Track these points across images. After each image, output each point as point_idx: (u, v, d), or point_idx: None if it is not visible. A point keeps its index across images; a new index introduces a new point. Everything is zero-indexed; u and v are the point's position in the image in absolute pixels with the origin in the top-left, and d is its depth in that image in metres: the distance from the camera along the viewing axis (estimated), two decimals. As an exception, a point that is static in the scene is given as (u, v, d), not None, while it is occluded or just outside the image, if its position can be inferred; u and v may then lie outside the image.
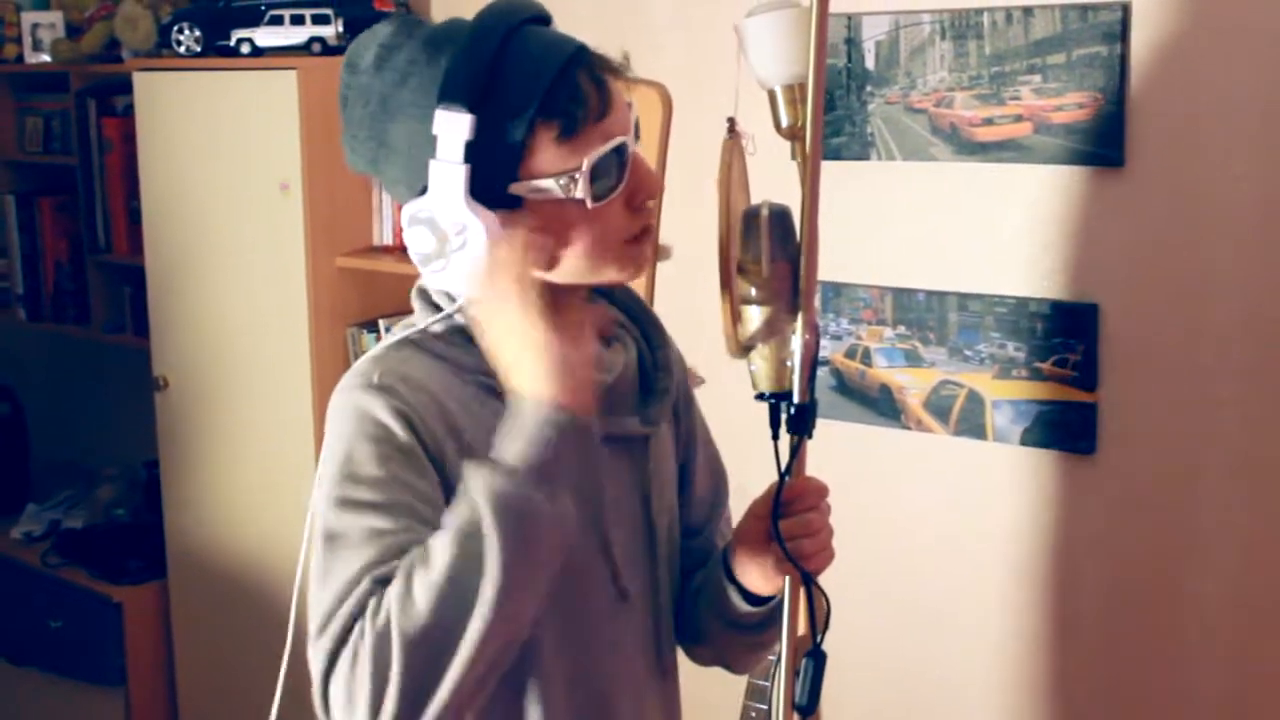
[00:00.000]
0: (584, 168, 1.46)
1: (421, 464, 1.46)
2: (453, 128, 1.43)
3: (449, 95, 1.44)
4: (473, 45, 1.45)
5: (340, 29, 3.49)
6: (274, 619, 3.65)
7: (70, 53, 4.19)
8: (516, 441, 1.35)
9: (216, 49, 3.58)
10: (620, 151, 1.50)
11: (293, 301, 3.50)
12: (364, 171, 1.57)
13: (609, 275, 1.55)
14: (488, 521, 1.31)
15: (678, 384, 1.75)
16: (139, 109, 3.77)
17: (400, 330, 1.57)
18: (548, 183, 1.46)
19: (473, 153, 1.43)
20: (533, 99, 1.45)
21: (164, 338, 3.85)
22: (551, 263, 1.51)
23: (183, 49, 3.61)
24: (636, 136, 1.54)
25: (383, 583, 1.36)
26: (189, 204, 3.71)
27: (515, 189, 1.46)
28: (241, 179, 3.58)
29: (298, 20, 3.49)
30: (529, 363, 1.37)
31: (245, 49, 3.52)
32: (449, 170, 1.44)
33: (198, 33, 3.59)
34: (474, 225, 1.44)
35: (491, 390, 1.49)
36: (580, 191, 1.47)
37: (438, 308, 1.57)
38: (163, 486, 3.94)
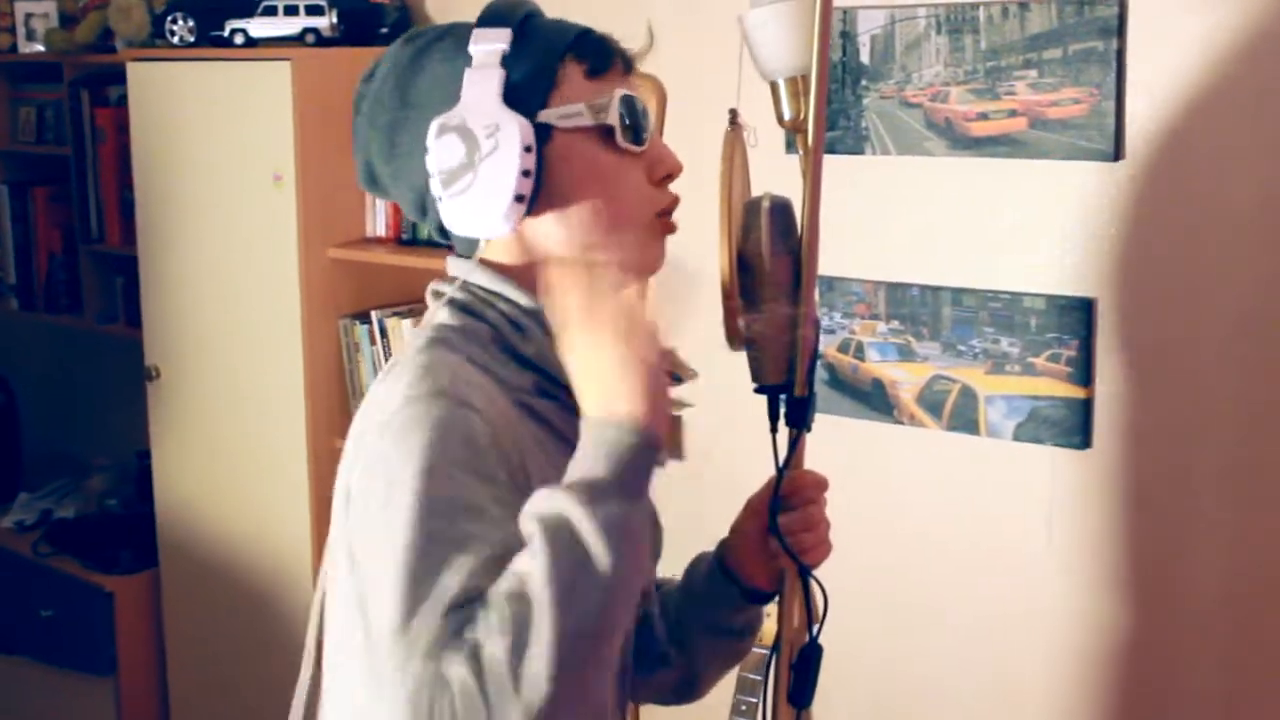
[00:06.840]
0: (616, 94, 1.46)
1: (510, 492, 1.34)
2: (490, 38, 1.44)
3: (486, 21, 1.45)
4: (502, 4, 1.48)
5: (334, 20, 3.48)
6: (264, 609, 3.65)
7: (64, 42, 4.18)
8: (602, 462, 1.26)
9: (210, 39, 3.57)
10: (639, 108, 1.49)
11: (285, 292, 3.50)
12: (373, 169, 1.53)
13: (629, 247, 1.46)
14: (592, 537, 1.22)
15: None
16: (132, 99, 3.77)
17: (427, 330, 1.47)
18: (578, 107, 1.45)
19: (506, 66, 1.43)
20: (564, 38, 1.47)
21: (156, 328, 3.85)
22: (564, 205, 1.46)
23: (176, 39, 3.61)
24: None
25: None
26: (182, 194, 3.71)
27: (544, 115, 1.44)
28: (235, 170, 3.57)
29: (291, 11, 3.49)
30: (624, 381, 1.28)
31: (239, 40, 3.51)
32: (484, 74, 1.43)
33: (191, 23, 3.58)
34: (507, 124, 1.40)
35: (530, 410, 1.44)
36: (611, 118, 1.46)
37: (462, 309, 1.48)
38: (154, 476, 3.94)
